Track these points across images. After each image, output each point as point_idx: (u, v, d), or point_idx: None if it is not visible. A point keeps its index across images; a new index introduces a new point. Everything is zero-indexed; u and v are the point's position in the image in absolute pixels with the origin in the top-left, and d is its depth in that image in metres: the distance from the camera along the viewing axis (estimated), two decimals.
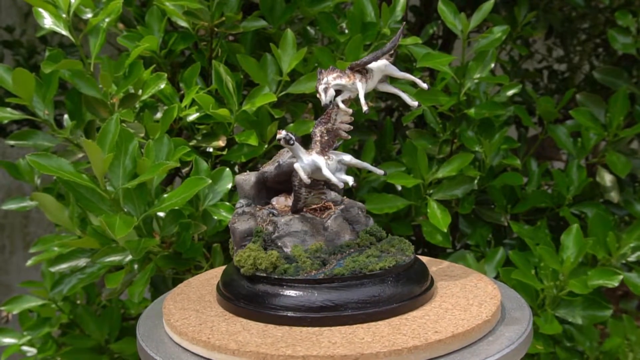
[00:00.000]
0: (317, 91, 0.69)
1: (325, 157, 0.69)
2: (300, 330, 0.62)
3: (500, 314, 0.68)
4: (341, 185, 0.68)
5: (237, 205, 0.73)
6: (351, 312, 0.63)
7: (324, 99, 0.68)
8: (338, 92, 0.70)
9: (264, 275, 0.66)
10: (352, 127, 0.71)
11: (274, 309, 0.64)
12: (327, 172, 0.67)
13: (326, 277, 0.64)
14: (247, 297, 0.66)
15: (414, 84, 1.21)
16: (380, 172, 0.72)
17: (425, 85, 0.69)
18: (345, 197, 0.75)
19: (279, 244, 0.69)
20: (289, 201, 0.73)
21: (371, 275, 0.65)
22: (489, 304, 0.66)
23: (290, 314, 0.63)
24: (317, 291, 0.64)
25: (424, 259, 0.77)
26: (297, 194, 0.70)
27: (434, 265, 0.78)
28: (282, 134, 0.67)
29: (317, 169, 0.68)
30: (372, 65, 0.68)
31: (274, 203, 0.73)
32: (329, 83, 0.69)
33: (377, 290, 0.64)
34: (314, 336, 0.61)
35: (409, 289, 0.66)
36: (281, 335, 0.61)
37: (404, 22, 0.69)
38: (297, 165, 0.68)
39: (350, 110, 0.69)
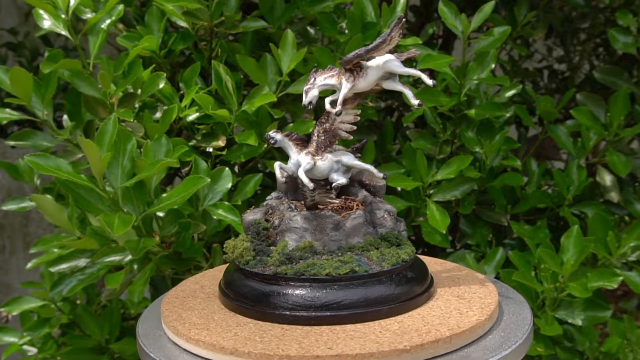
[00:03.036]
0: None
1: (318, 157, 0.69)
2: (297, 329, 0.62)
3: (498, 314, 0.68)
4: (311, 186, 0.68)
5: (268, 197, 0.75)
6: (282, 311, 0.64)
7: (304, 99, 0.68)
8: (334, 92, 0.69)
9: (237, 264, 0.69)
10: (354, 128, 0.71)
11: (267, 306, 0.65)
12: (300, 173, 0.68)
13: (270, 274, 0.66)
14: (242, 294, 0.67)
15: (416, 84, 1.21)
16: (379, 174, 0.71)
17: (430, 82, 0.67)
18: (377, 198, 0.74)
19: (278, 237, 0.70)
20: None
21: (312, 280, 0.65)
22: (487, 304, 0.66)
23: (258, 307, 0.65)
24: (266, 285, 0.66)
25: (425, 258, 0.77)
26: (302, 192, 0.70)
27: (433, 264, 0.78)
28: (266, 135, 0.69)
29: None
30: (371, 62, 0.67)
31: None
32: (315, 84, 0.68)
33: (310, 294, 0.64)
34: (314, 335, 0.61)
35: (357, 297, 0.64)
36: (276, 334, 0.61)
37: (401, 17, 0.65)
38: (276, 164, 0.70)
39: (334, 110, 0.68)
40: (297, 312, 0.64)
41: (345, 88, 0.67)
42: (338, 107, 0.67)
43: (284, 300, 0.64)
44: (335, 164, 0.70)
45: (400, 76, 0.69)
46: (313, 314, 0.63)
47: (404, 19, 0.66)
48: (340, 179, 0.69)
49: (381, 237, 0.70)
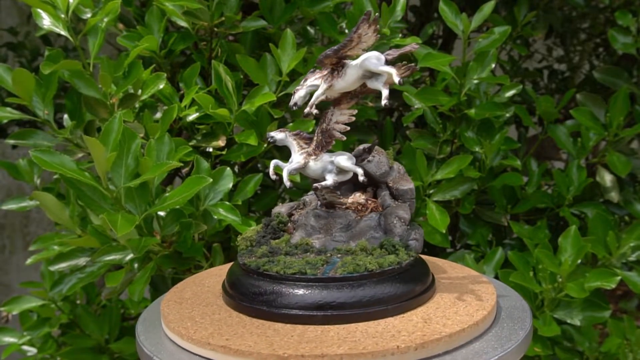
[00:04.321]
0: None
1: (313, 156, 0.69)
2: (297, 328, 0.62)
3: (497, 314, 0.68)
4: (288, 184, 0.69)
5: (309, 192, 0.77)
6: (247, 304, 0.65)
7: (291, 100, 0.69)
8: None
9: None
10: (347, 128, 0.71)
11: (236, 295, 0.67)
12: (284, 172, 0.70)
13: (243, 264, 0.69)
14: (229, 283, 0.69)
15: (415, 84, 1.21)
16: (362, 178, 0.70)
17: (397, 80, 0.64)
18: (399, 202, 0.72)
19: (291, 232, 0.71)
20: (363, 197, 0.73)
21: (264, 275, 0.66)
22: (486, 303, 0.66)
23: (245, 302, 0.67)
24: (240, 275, 0.68)
25: (426, 257, 0.77)
26: (314, 190, 0.71)
27: (432, 264, 0.78)
28: (267, 134, 0.71)
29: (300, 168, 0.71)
30: (353, 61, 0.66)
31: (350, 197, 0.73)
32: (305, 84, 0.69)
33: (256, 287, 0.65)
34: (316, 335, 0.61)
35: (296, 301, 0.64)
36: (276, 334, 0.61)
37: (368, 13, 0.63)
38: (272, 162, 0.71)
39: (316, 111, 0.68)
40: (243, 302, 0.66)
41: (320, 88, 0.67)
42: (307, 109, 0.67)
43: (240, 290, 0.67)
44: (330, 164, 0.70)
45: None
46: (256, 306, 0.65)
47: (376, 15, 0.65)
48: (328, 180, 0.69)
49: (380, 244, 0.68)
